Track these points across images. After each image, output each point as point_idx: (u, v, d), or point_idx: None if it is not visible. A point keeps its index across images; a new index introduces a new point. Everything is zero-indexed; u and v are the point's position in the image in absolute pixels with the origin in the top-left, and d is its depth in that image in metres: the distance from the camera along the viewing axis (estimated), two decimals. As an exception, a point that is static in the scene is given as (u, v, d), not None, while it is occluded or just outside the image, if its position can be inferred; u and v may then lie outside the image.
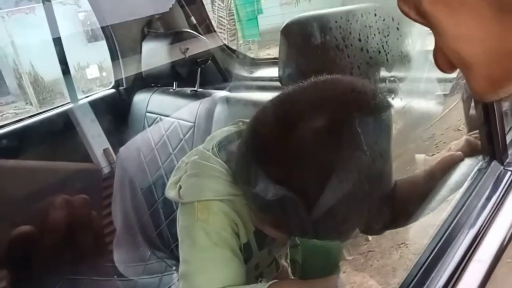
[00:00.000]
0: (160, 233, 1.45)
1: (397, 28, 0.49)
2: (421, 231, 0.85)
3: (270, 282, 0.58)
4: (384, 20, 0.48)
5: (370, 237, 1.98)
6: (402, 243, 1.81)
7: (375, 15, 0.47)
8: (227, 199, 0.62)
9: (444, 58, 0.32)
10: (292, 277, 0.79)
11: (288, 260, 0.82)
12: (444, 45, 0.30)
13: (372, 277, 1.89)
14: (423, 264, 0.60)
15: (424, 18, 0.31)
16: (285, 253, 0.80)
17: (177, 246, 1.41)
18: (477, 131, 0.84)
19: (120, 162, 1.52)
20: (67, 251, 0.47)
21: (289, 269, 0.81)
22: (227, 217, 0.62)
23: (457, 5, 0.28)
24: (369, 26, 0.46)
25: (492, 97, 0.31)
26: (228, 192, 0.62)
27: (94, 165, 1.51)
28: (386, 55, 0.48)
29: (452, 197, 0.76)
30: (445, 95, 1.32)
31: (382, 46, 0.48)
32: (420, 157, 0.82)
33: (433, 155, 0.93)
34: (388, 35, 0.48)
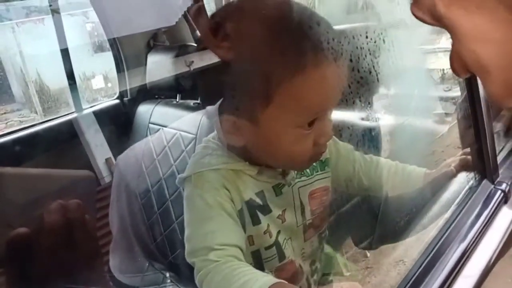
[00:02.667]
0: (158, 244, 1.45)
1: (388, 50, 0.51)
2: (419, 248, 0.87)
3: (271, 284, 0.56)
4: (375, 42, 0.50)
5: (368, 254, 1.98)
6: (400, 260, 1.79)
7: (366, 37, 0.50)
8: (219, 169, 0.67)
9: (460, 62, 0.31)
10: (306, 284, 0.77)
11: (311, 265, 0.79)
12: (462, 48, 0.30)
13: (370, 292, 1.88)
14: (412, 277, 0.61)
15: (440, 22, 0.30)
16: (300, 249, 0.75)
17: (174, 258, 1.41)
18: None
19: (118, 171, 1.53)
20: (61, 256, 0.48)
21: (308, 276, 0.78)
22: (220, 183, 0.65)
23: (473, 8, 0.28)
24: (361, 48, 0.49)
25: (510, 103, 0.31)
26: (220, 162, 0.67)
27: (88, 172, 1.51)
28: (377, 75, 0.51)
29: (444, 213, 0.77)
30: (446, 114, 1.34)
31: (373, 66, 0.50)
32: (420, 171, 0.83)
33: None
34: (379, 56, 0.51)
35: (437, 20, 0.30)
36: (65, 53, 1.67)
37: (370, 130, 0.77)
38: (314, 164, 0.73)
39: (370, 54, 0.49)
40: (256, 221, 0.68)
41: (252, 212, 0.68)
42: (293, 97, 0.58)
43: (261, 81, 0.58)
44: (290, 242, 0.72)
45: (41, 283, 0.48)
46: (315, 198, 0.74)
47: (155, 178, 1.44)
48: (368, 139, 0.76)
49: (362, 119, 0.76)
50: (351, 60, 0.49)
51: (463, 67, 0.31)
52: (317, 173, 0.74)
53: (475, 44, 0.28)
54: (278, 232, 0.70)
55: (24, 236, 0.44)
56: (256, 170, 0.67)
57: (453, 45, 0.31)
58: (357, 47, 0.48)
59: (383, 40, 0.50)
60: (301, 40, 0.57)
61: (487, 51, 0.28)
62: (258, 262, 0.69)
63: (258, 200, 0.68)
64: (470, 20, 0.28)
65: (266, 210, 0.68)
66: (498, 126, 0.92)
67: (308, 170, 0.73)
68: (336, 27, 0.56)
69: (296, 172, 0.71)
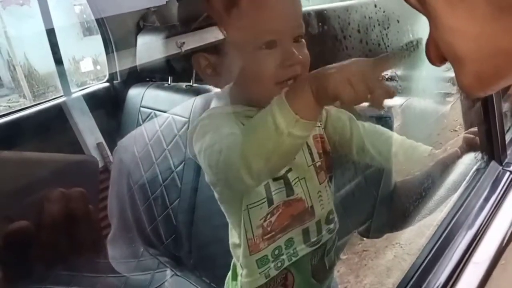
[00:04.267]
0: (153, 230, 1.43)
1: (398, 21, 0.47)
2: (416, 230, 0.85)
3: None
4: (384, 12, 0.46)
5: (364, 236, 1.97)
6: (396, 243, 1.80)
7: (375, 6, 0.45)
8: (228, 113, 0.71)
9: (436, 51, 0.32)
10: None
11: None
12: (439, 37, 0.30)
13: (366, 277, 1.88)
14: (420, 266, 0.59)
15: (422, 6, 0.30)
16: (317, 192, 0.76)
17: (170, 243, 1.39)
18: (475, 128, 0.83)
19: (117, 157, 1.50)
20: (63, 246, 0.47)
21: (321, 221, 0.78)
22: (232, 121, 0.68)
23: (457, 0, 0.28)
24: (369, 17, 0.45)
25: (478, 93, 0.32)
26: (227, 109, 0.71)
27: (92, 157, 1.50)
28: (386, 48, 0.47)
29: (451, 197, 0.75)
30: (445, 94, 1.31)
31: (382, 38, 0.46)
32: (426, 148, 0.81)
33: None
34: (388, 28, 0.46)
35: (420, 4, 0.31)
36: (52, 35, 1.61)
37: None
38: None
39: (379, 25, 0.45)
40: None
41: None
42: (242, 18, 0.65)
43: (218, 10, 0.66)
44: (304, 182, 0.74)
45: (41, 271, 0.47)
46: (319, 142, 0.77)
47: (151, 163, 1.42)
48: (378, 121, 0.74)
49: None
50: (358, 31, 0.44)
51: (439, 56, 0.32)
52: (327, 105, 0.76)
53: (453, 35, 0.29)
54: (289, 170, 0.72)
55: (23, 231, 0.43)
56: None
57: (430, 32, 0.32)
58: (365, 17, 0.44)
59: (392, 12, 0.46)
60: None
61: (464, 43, 0.29)
62: (269, 195, 0.71)
63: None
64: (452, 12, 0.29)
65: None
66: (505, 106, 0.89)
67: None
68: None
69: None
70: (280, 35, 0.66)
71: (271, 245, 0.73)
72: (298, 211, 0.74)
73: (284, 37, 0.66)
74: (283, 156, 0.61)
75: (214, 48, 0.70)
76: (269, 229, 0.72)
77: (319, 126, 0.79)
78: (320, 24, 0.54)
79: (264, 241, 0.73)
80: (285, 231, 0.74)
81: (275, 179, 0.72)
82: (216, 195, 0.76)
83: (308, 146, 0.75)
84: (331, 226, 0.80)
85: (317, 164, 0.76)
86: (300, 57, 0.66)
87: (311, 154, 0.76)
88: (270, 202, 0.71)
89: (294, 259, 0.75)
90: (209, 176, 0.72)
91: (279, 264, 0.74)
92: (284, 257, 0.74)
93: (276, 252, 0.74)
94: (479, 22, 0.28)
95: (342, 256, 1.73)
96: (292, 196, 0.73)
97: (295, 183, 0.73)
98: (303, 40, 0.69)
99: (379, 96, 0.52)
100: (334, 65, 0.54)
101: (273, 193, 0.72)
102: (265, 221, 0.71)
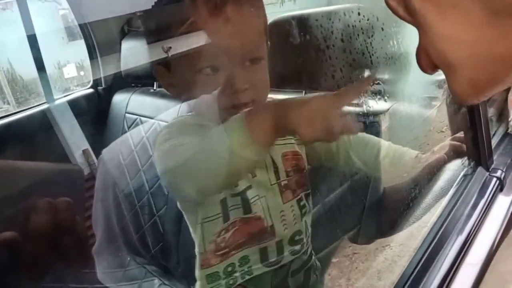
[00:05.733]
0: (140, 238, 1.41)
1: (382, 29, 0.46)
2: (406, 233, 0.84)
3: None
4: (368, 19, 0.45)
5: (354, 239, 1.97)
6: (386, 245, 1.80)
7: (359, 14, 0.44)
8: (191, 124, 0.69)
9: (427, 59, 0.31)
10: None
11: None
12: (430, 45, 0.30)
13: (358, 280, 1.88)
14: (411, 274, 0.58)
15: (412, 16, 0.30)
16: (279, 212, 0.75)
17: (157, 251, 1.37)
18: (461, 133, 0.83)
19: (102, 166, 1.48)
20: (49, 257, 0.46)
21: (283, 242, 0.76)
22: (197, 130, 0.66)
23: (448, 6, 0.27)
24: (352, 26, 0.44)
25: (472, 100, 0.32)
26: (191, 121, 0.70)
27: (77, 166, 1.48)
28: (370, 57, 0.46)
29: (439, 203, 0.74)
30: (431, 97, 1.31)
31: (366, 47, 0.45)
32: (412, 153, 0.81)
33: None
34: (372, 36, 0.45)
35: (409, 14, 0.30)
36: (33, 40, 1.59)
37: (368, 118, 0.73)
38: None
39: (363, 33, 0.44)
40: None
41: None
42: (187, 43, 0.65)
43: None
44: (264, 201, 0.72)
45: (27, 283, 0.46)
46: (288, 160, 0.75)
47: (137, 170, 1.40)
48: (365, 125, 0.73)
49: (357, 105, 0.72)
50: (342, 41, 0.43)
51: (431, 63, 0.31)
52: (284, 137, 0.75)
53: (445, 42, 0.29)
54: (248, 187, 0.70)
55: (9, 242, 0.42)
56: None
57: (420, 41, 0.31)
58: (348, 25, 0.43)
59: (377, 18, 0.45)
60: None
61: (457, 50, 0.28)
62: (225, 211, 0.70)
63: None
64: (443, 19, 0.28)
65: None
66: (490, 111, 0.89)
67: None
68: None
69: None
70: (221, 61, 0.63)
71: (224, 261, 0.71)
72: (255, 230, 0.72)
73: (228, 63, 0.63)
74: (229, 176, 0.60)
75: (167, 63, 0.69)
76: (222, 245, 0.70)
77: (292, 143, 0.76)
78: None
79: (216, 257, 0.71)
80: (240, 248, 0.72)
81: (233, 195, 0.70)
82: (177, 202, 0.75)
83: (274, 164, 0.73)
84: (296, 247, 0.76)
85: (282, 183, 0.74)
86: (246, 85, 0.64)
87: (276, 172, 0.73)
88: (225, 218, 0.70)
89: (247, 277, 0.73)
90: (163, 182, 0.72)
91: (231, 282, 0.72)
92: (237, 274, 0.72)
93: (229, 269, 0.72)
94: (473, 28, 0.27)
95: (333, 259, 1.73)
96: (250, 214, 0.71)
97: (253, 201, 0.71)
98: (262, 62, 0.66)
99: (337, 132, 0.52)
100: (296, 99, 0.54)
101: (229, 209, 0.70)
102: (218, 237, 0.70)
